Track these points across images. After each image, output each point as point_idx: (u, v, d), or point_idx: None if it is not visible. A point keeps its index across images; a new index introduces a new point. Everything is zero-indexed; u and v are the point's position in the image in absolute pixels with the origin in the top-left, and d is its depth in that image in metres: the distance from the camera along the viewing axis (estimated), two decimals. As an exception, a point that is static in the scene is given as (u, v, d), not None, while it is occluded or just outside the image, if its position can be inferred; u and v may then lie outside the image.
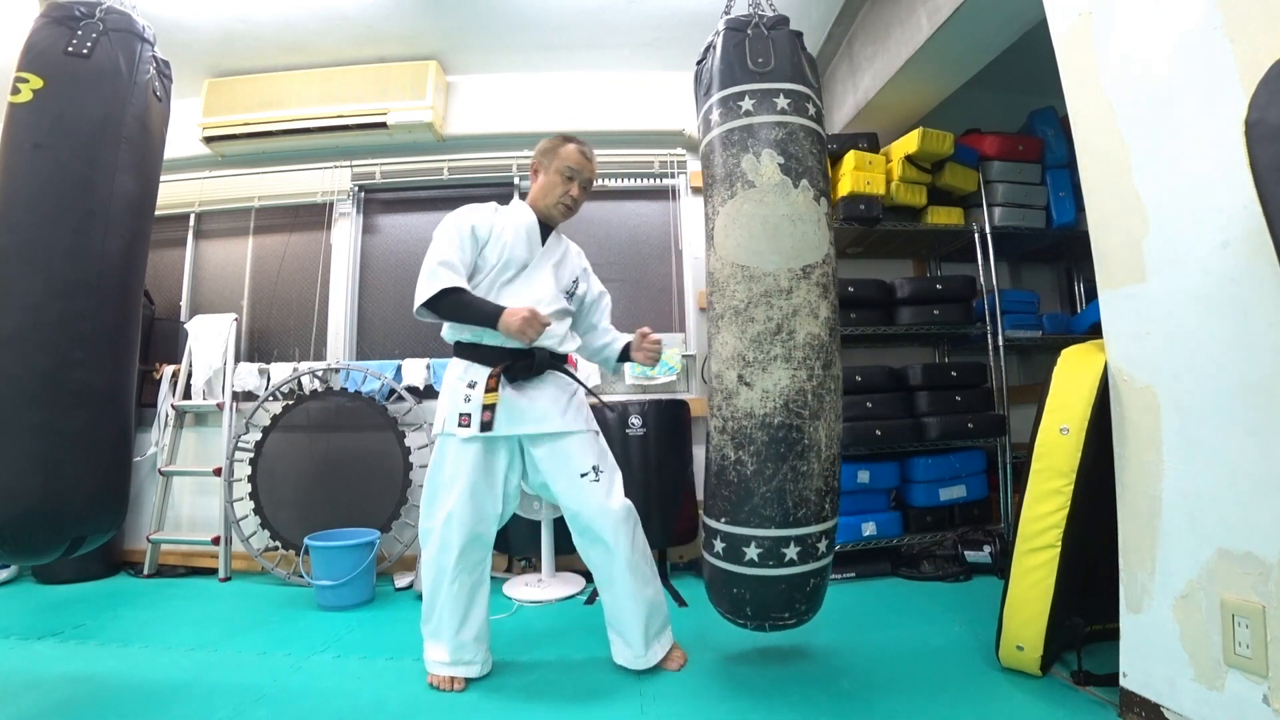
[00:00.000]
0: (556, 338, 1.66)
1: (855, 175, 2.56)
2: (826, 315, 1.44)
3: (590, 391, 1.79)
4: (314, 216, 3.12)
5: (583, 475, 1.59)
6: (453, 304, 1.54)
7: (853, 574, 2.39)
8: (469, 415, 1.55)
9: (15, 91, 1.36)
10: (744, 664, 1.66)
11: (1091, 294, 3.08)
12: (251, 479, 2.65)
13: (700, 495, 2.71)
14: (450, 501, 1.55)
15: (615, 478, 1.65)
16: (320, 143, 3.02)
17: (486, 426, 1.54)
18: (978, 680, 1.52)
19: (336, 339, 3.01)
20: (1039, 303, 2.94)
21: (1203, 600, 1.16)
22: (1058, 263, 3.37)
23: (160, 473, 2.80)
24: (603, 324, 1.84)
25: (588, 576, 2.29)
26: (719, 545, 1.46)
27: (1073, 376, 1.47)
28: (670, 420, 2.59)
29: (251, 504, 2.64)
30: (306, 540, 2.33)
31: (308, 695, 1.54)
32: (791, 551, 1.39)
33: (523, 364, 1.60)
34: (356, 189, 3.14)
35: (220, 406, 2.80)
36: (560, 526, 2.40)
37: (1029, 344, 2.91)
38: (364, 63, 2.96)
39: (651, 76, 3.13)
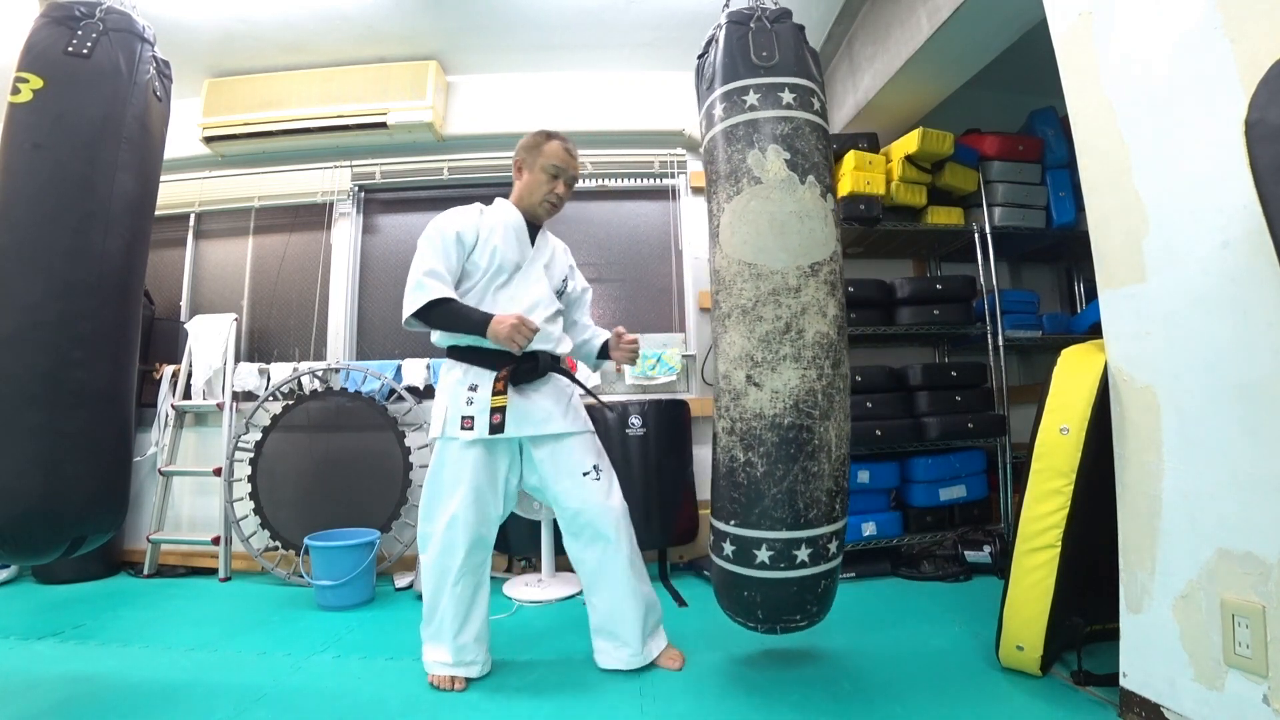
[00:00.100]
0: (554, 340, 1.67)
1: (855, 175, 2.56)
2: (835, 313, 1.43)
3: (589, 392, 1.79)
4: (314, 216, 3.12)
5: (584, 474, 1.62)
6: (442, 314, 1.53)
7: (853, 574, 2.39)
8: (472, 418, 1.55)
9: (15, 91, 1.36)
10: (743, 664, 1.66)
11: (1091, 294, 3.08)
12: (251, 479, 2.65)
13: (700, 495, 2.72)
14: (453, 505, 1.54)
15: (613, 476, 1.68)
16: (320, 143, 3.02)
17: (498, 429, 1.53)
18: (978, 680, 1.52)
19: (336, 339, 3.01)
20: (1039, 303, 2.94)
21: (1203, 600, 1.16)
22: (1058, 263, 3.37)
23: (160, 473, 2.80)
24: (583, 319, 1.85)
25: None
26: (729, 548, 1.43)
27: (1073, 376, 1.47)
28: (670, 420, 2.59)
29: (251, 504, 2.64)
30: (306, 540, 2.33)
31: (308, 695, 1.54)
32: (803, 553, 1.37)
33: (527, 366, 1.60)
34: (356, 189, 3.14)
35: (220, 406, 2.80)
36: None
37: (1029, 344, 2.90)
38: (364, 63, 2.96)
39: (651, 76, 3.13)
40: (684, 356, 2.97)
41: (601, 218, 3.20)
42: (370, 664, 1.73)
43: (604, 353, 1.81)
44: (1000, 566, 2.29)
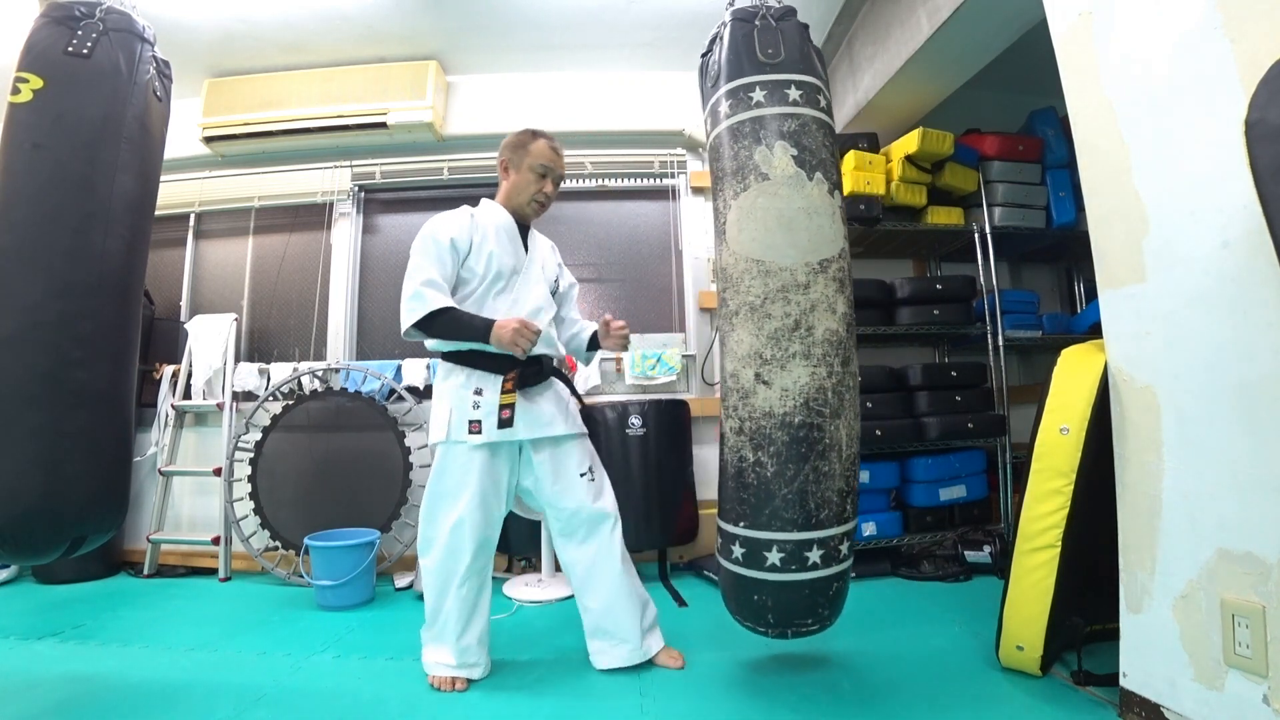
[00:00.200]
0: (553, 342, 1.68)
1: (855, 175, 2.56)
2: (844, 311, 1.42)
3: (577, 396, 1.79)
4: (314, 216, 3.12)
5: (581, 475, 1.64)
6: (443, 324, 1.52)
7: (853, 574, 2.38)
8: (479, 422, 1.55)
9: (15, 91, 1.36)
10: (743, 664, 1.66)
11: (1091, 294, 3.08)
12: (251, 479, 2.65)
13: (700, 495, 2.72)
14: (460, 508, 1.54)
15: (605, 477, 1.72)
16: (320, 143, 3.02)
17: (506, 424, 1.54)
18: (978, 680, 1.52)
19: (336, 339, 3.01)
20: (1039, 303, 2.94)
21: (1203, 600, 1.16)
22: (1058, 263, 3.37)
23: (160, 473, 2.80)
24: (571, 314, 1.85)
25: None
26: (738, 551, 1.40)
27: (1073, 376, 1.47)
28: (670, 420, 2.59)
29: (251, 504, 2.63)
30: (306, 540, 2.33)
31: (308, 695, 1.54)
32: (814, 555, 1.35)
33: (532, 370, 1.62)
34: (356, 189, 3.14)
35: (220, 406, 2.80)
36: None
37: (1029, 344, 2.90)
38: (364, 63, 2.96)
39: (651, 76, 3.13)
40: (684, 356, 2.97)
41: (601, 218, 3.19)
42: (370, 664, 1.73)
43: (593, 344, 1.80)
44: (1000, 566, 2.29)
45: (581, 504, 1.62)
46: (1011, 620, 1.51)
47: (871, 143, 2.71)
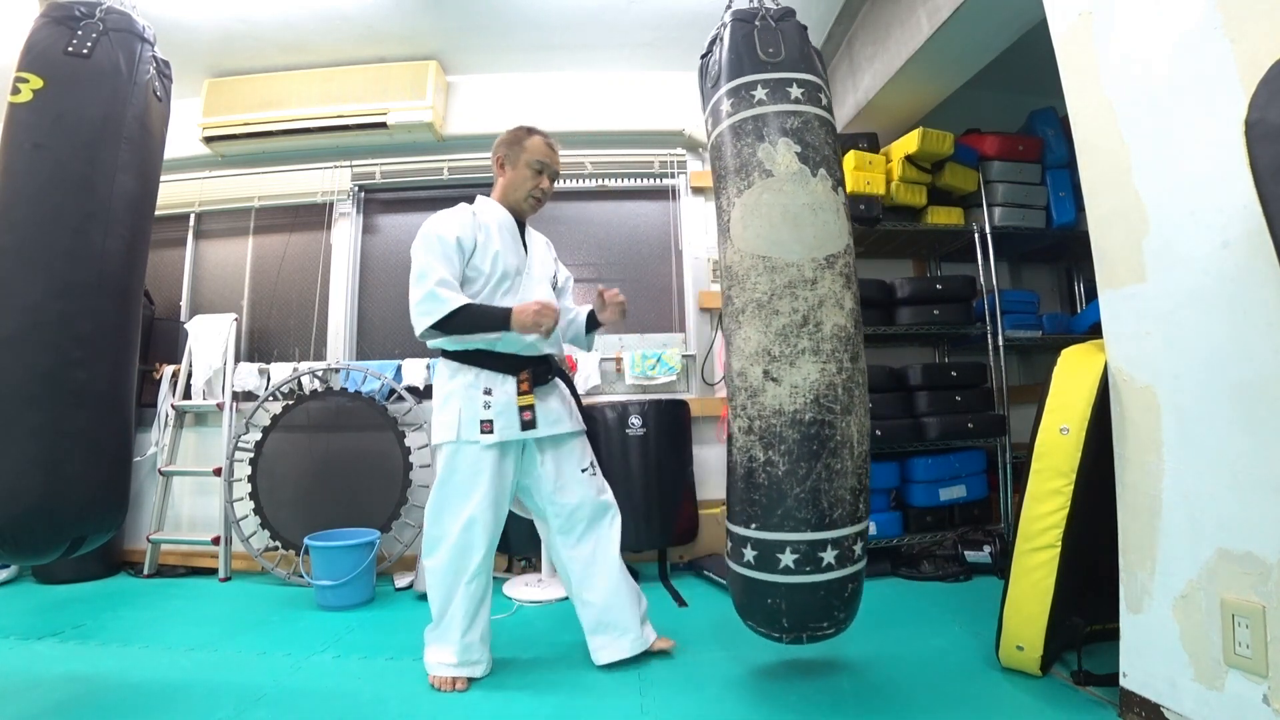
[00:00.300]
0: (558, 341, 1.70)
1: (855, 175, 2.56)
2: (851, 306, 1.41)
3: (576, 397, 1.79)
4: (314, 216, 3.12)
5: (583, 471, 1.68)
6: (463, 320, 1.51)
7: (853, 574, 2.39)
8: (491, 421, 1.56)
9: (15, 91, 1.36)
10: (743, 663, 1.66)
11: (1091, 294, 3.08)
12: (251, 479, 2.65)
13: (700, 495, 2.72)
14: (471, 507, 1.55)
15: (601, 473, 1.74)
16: (320, 143, 3.02)
17: (530, 425, 1.57)
18: (978, 680, 1.52)
19: (336, 339, 3.01)
20: (1039, 303, 2.94)
21: (1203, 600, 1.16)
22: (1058, 263, 3.37)
23: (160, 473, 2.80)
24: (569, 304, 1.85)
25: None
26: (749, 554, 1.37)
27: (1073, 376, 1.47)
28: (670, 420, 2.59)
29: (251, 504, 2.63)
30: (306, 540, 2.33)
31: (308, 695, 1.54)
32: (829, 555, 1.32)
33: (542, 369, 1.64)
34: (356, 189, 3.14)
35: (220, 406, 2.80)
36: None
37: (1029, 344, 2.90)
38: (364, 63, 2.96)
39: (651, 76, 3.13)
40: (684, 356, 2.97)
41: (601, 218, 3.19)
42: (370, 664, 1.73)
43: (591, 325, 1.80)
44: (1000, 566, 2.29)
45: (583, 499, 1.66)
46: (1011, 620, 1.51)
47: (871, 143, 2.71)
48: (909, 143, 2.55)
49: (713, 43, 1.56)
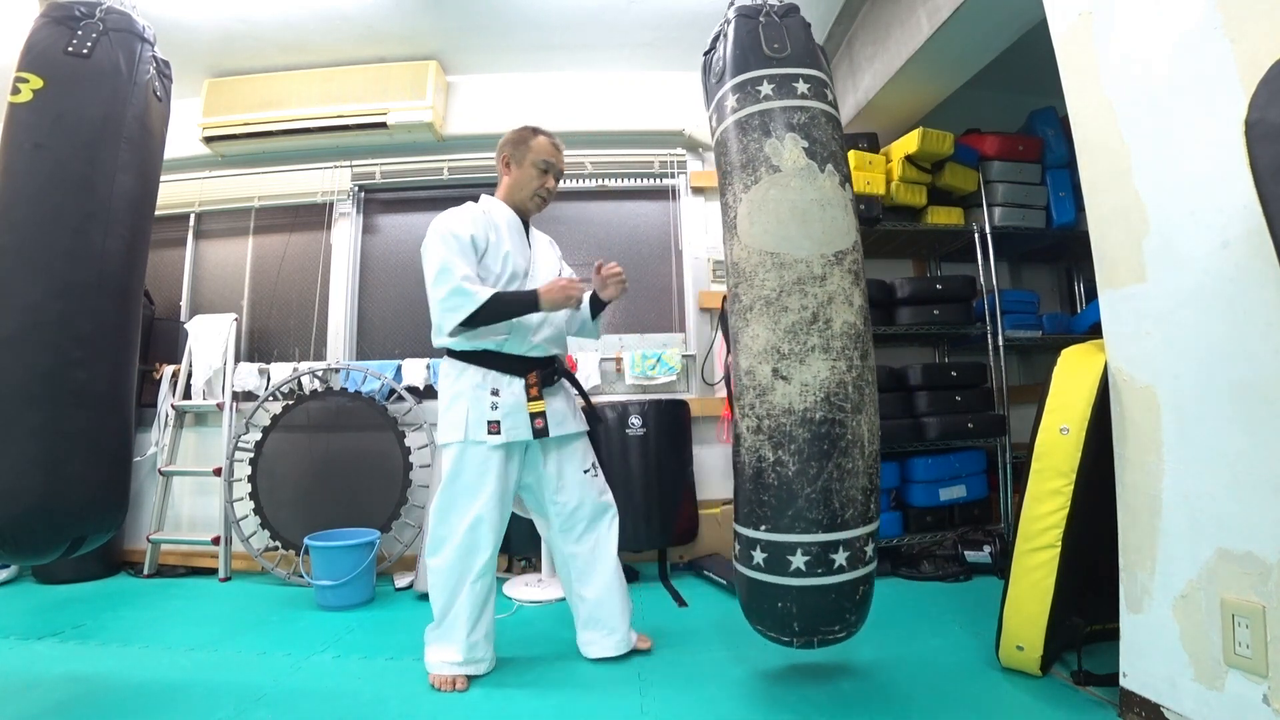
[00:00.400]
0: (563, 341, 1.72)
1: (855, 175, 2.55)
2: (860, 303, 1.39)
3: (584, 395, 1.80)
4: (314, 216, 3.12)
5: (585, 471, 1.70)
6: (492, 310, 1.52)
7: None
8: (498, 422, 1.56)
9: (15, 91, 1.36)
10: (742, 663, 1.66)
11: (1091, 294, 3.08)
12: (251, 479, 2.65)
13: (700, 495, 2.72)
14: (477, 507, 1.56)
15: (601, 474, 1.76)
16: (320, 143, 3.01)
17: (542, 433, 1.59)
18: (978, 680, 1.52)
19: (336, 339, 3.01)
20: (1039, 303, 2.94)
21: (1203, 600, 1.16)
22: (1058, 263, 3.37)
23: (160, 473, 2.80)
24: None
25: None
26: (759, 556, 1.35)
27: (1073, 376, 1.47)
28: (670, 420, 2.59)
29: (251, 504, 2.63)
30: (306, 540, 2.33)
31: (308, 695, 1.54)
32: (841, 557, 1.30)
33: (549, 371, 1.65)
34: (356, 189, 3.14)
35: (220, 406, 2.80)
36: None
37: (1029, 344, 2.91)
38: (364, 63, 2.96)
39: (651, 76, 3.13)
40: (684, 356, 2.97)
41: (601, 218, 3.19)
42: (370, 664, 1.73)
43: (595, 309, 1.78)
44: (1000, 566, 2.29)
45: (584, 500, 1.68)
46: (1011, 620, 1.51)
47: (871, 143, 2.71)
48: (909, 143, 2.55)
49: (716, 39, 1.55)
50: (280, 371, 2.88)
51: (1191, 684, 1.17)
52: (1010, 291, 2.91)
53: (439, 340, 1.62)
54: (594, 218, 3.18)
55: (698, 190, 3.11)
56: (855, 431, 1.34)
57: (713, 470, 2.82)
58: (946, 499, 2.52)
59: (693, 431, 2.73)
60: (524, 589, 2.35)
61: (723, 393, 2.75)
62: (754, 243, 1.40)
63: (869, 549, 1.36)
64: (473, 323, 1.52)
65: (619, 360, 2.93)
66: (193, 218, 3.16)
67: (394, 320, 3.10)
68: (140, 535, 2.76)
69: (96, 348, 1.37)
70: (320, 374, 2.83)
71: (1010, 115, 2.96)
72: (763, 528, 1.35)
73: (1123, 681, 1.32)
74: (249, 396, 2.87)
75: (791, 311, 1.35)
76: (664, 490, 2.52)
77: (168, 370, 2.89)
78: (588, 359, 2.86)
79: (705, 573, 2.46)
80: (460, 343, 1.59)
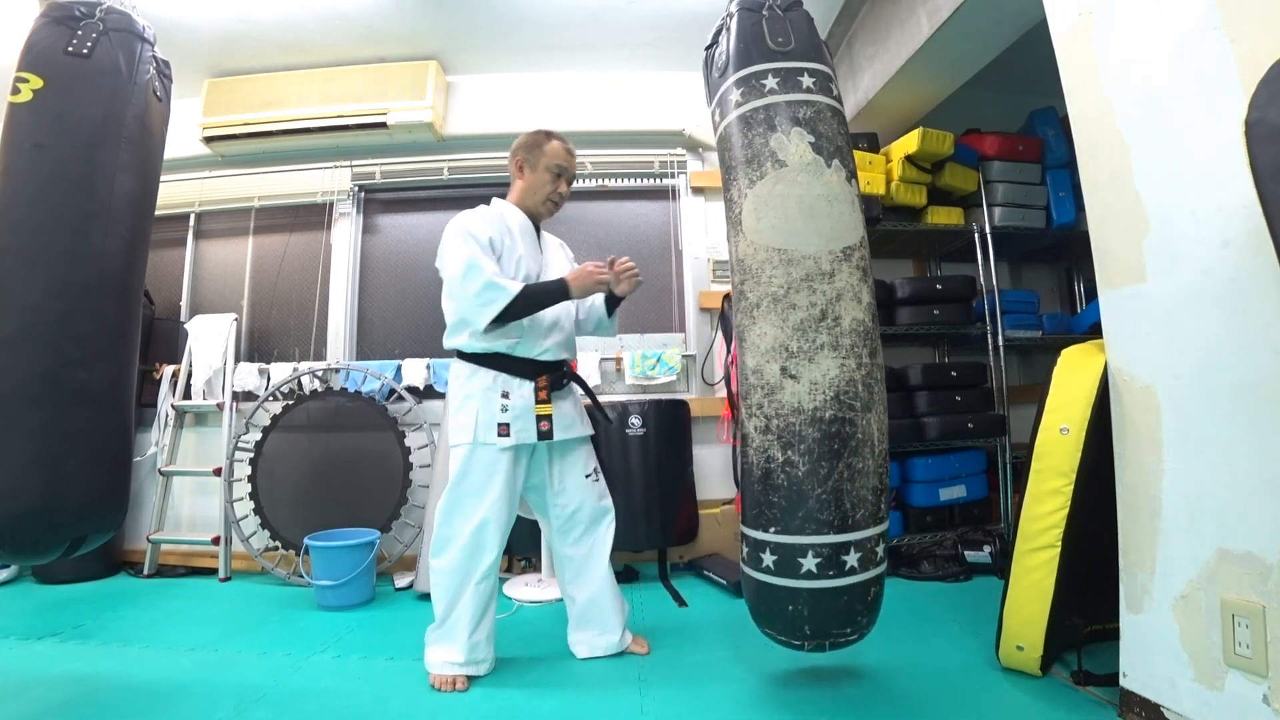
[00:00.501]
0: (573, 345, 1.75)
1: (855, 175, 2.56)
2: (869, 300, 1.37)
3: (592, 395, 1.80)
4: (314, 216, 3.12)
5: (587, 476, 1.71)
6: (523, 304, 1.53)
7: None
8: (508, 425, 1.57)
9: (15, 91, 1.36)
10: (742, 663, 1.66)
11: (1091, 294, 3.08)
12: (251, 479, 2.65)
13: (700, 495, 2.71)
14: (484, 508, 1.56)
15: (602, 478, 1.78)
16: (320, 143, 3.01)
17: (547, 435, 1.60)
18: (978, 680, 1.52)
19: (336, 339, 3.01)
20: (1039, 303, 2.95)
21: (1203, 600, 1.16)
22: (1058, 263, 3.37)
23: (160, 473, 2.80)
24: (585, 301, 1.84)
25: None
26: (768, 559, 1.32)
27: (1073, 376, 1.47)
28: (670, 420, 2.59)
29: (251, 504, 2.63)
30: (306, 540, 2.33)
31: (308, 695, 1.54)
32: (852, 558, 1.27)
33: (558, 375, 1.66)
34: (356, 189, 3.14)
35: (220, 406, 2.80)
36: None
37: (1029, 344, 2.91)
38: (364, 63, 2.96)
39: (651, 76, 3.13)
40: (684, 356, 2.97)
41: (601, 218, 3.19)
42: (370, 664, 1.73)
43: (610, 305, 1.78)
44: (1000, 566, 2.29)
45: (584, 503, 1.69)
46: (1011, 620, 1.51)
47: (871, 143, 2.71)
48: (909, 143, 2.55)
49: (718, 33, 1.53)
50: (280, 371, 2.88)
51: (1191, 684, 1.17)
52: (1010, 291, 2.91)
53: (451, 341, 1.62)
54: (594, 218, 3.18)
55: (698, 190, 3.11)
56: (865, 430, 1.32)
57: (713, 470, 2.82)
58: (946, 499, 2.52)
59: (693, 431, 2.73)
60: (524, 589, 2.35)
61: (723, 393, 2.74)
62: (760, 239, 1.38)
63: (880, 549, 1.34)
64: (505, 317, 1.53)
65: (619, 360, 2.93)
66: (193, 218, 3.15)
67: (394, 320, 3.10)
68: (140, 535, 2.76)
69: (96, 348, 1.37)
70: (320, 374, 2.83)
71: (1010, 115, 2.96)
72: (772, 530, 1.32)
73: (1123, 681, 1.32)
74: (249, 396, 2.87)
75: (800, 309, 1.32)
76: (664, 490, 2.52)
77: (168, 370, 2.89)
78: (588, 359, 2.86)
79: (705, 573, 2.46)
80: (472, 345, 1.59)
